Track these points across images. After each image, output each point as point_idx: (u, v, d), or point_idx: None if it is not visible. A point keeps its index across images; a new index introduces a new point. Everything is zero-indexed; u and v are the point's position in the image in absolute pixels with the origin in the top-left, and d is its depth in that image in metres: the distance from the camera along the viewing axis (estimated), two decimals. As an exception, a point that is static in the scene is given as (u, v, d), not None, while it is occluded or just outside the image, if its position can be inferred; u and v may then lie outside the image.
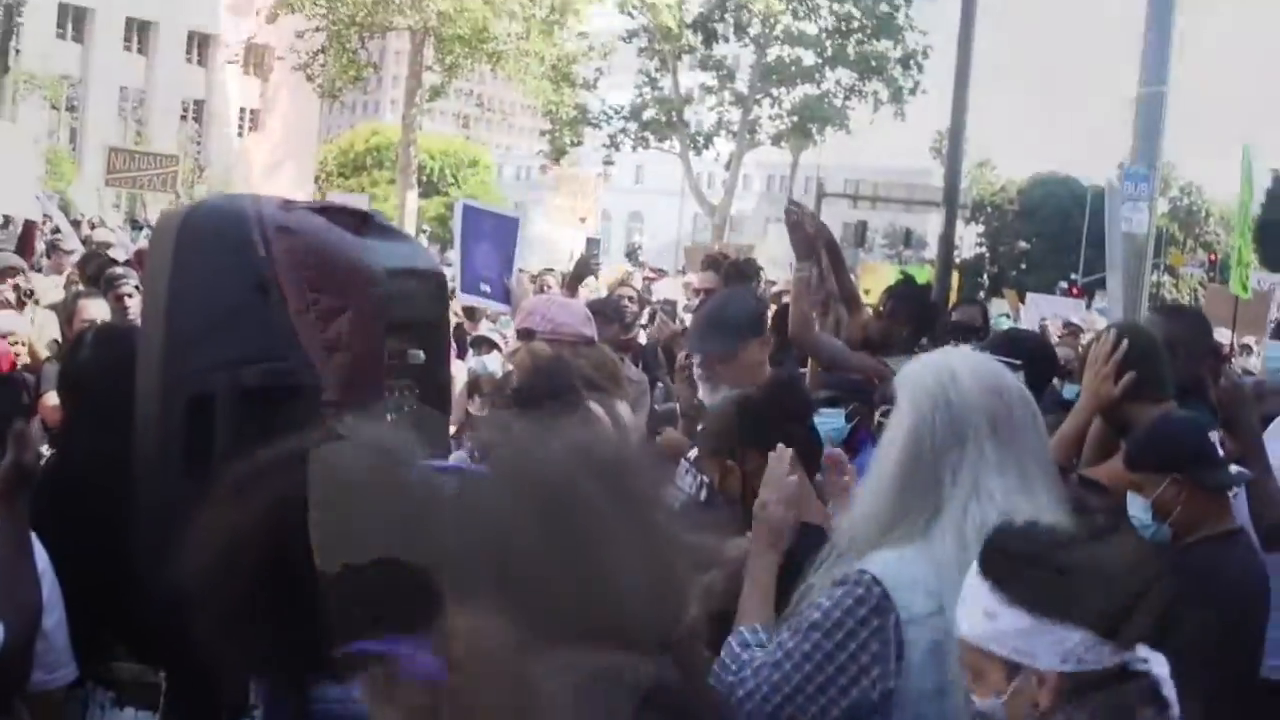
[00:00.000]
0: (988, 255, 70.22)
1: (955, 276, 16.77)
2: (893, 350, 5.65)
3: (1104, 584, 2.09)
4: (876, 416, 4.25)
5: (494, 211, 10.44)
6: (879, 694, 2.52)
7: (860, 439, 4.67)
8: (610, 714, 1.48)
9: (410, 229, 37.21)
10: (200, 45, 59.61)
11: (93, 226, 19.30)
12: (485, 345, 8.94)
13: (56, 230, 15.35)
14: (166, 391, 2.99)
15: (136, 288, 7.48)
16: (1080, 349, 9.84)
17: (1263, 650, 3.70)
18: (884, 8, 45.74)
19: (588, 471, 1.59)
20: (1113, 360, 4.02)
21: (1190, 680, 2.28)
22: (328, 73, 40.18)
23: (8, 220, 14.58)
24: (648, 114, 47.12)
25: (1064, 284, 45.57)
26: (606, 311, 7.04)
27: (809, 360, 5.86)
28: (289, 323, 2.95)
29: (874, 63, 46.11)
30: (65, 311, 7.56)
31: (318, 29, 38.97)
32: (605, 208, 60.39)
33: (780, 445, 3.07)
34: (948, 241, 12.24)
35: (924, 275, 12.79)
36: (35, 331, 7.71)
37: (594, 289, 12.15)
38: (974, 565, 2.18)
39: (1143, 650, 2.09)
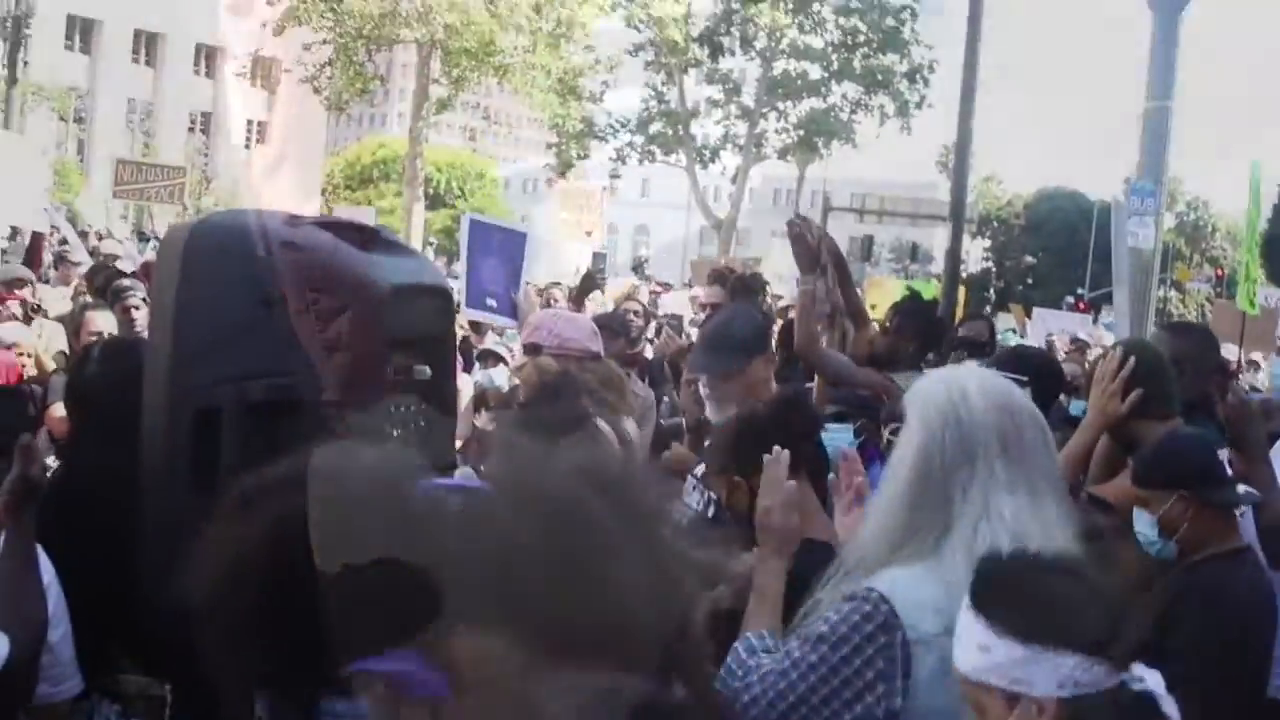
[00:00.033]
0: (994, 270, 70.25)
1: (962, 291, 16.75)
2: (899, 366, 5.64)
3: (1093, 605, 2.10)
4: (885, 434, 4.23)
5: (501, 225, 10.43)
6: (884, 711, 2.51)
7: (868, 455, 4.65)
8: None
9: (416, 241, 37.29)
10: (208, 57, 59.76)
11: (100, 238, 19.36)
12: (491, 359, 8.98)
13: (64, 242, 15.41)
14: (173, 405, 3.00)
15: (143, 300, 7.50)
16: (1087, 365, 9.85)
17: (1270, 669, 3.69)
18: (890, 22, 45.77)
19: (592, 489, 1.59)
20: (1119, 378, 4.03)
21: (1191, 683, 2.28)
22: (335, 85, 40.21)
23: (16, 232, 14.63)
24: (654, 127, 47.18)
25: (1070, 299, 45.54)
26: (612, 326, 7.04)
27: (815, 375, 5.85)
28: (294, 337, 2.96)
29: (880, 77, 46.15)
30: (72, 323, 7.58)
31: (325, 41, 39.01)
32: (611, 220, 60.48)
33: (775, 448, 3.04)
34: (954, 256, 12.23)
35: (930, 290, 12.77)
36: (42, 343, 7.73)
37: (600, 303, 12.16)
38: (965, 600, 2.19)
39: (1138, 669, 2.09)
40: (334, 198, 57.17)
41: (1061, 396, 6.09)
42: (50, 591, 2.95)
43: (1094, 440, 4.16)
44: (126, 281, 8.36)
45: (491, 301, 9.06)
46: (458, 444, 5.60)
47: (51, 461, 4.23)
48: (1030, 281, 65.81)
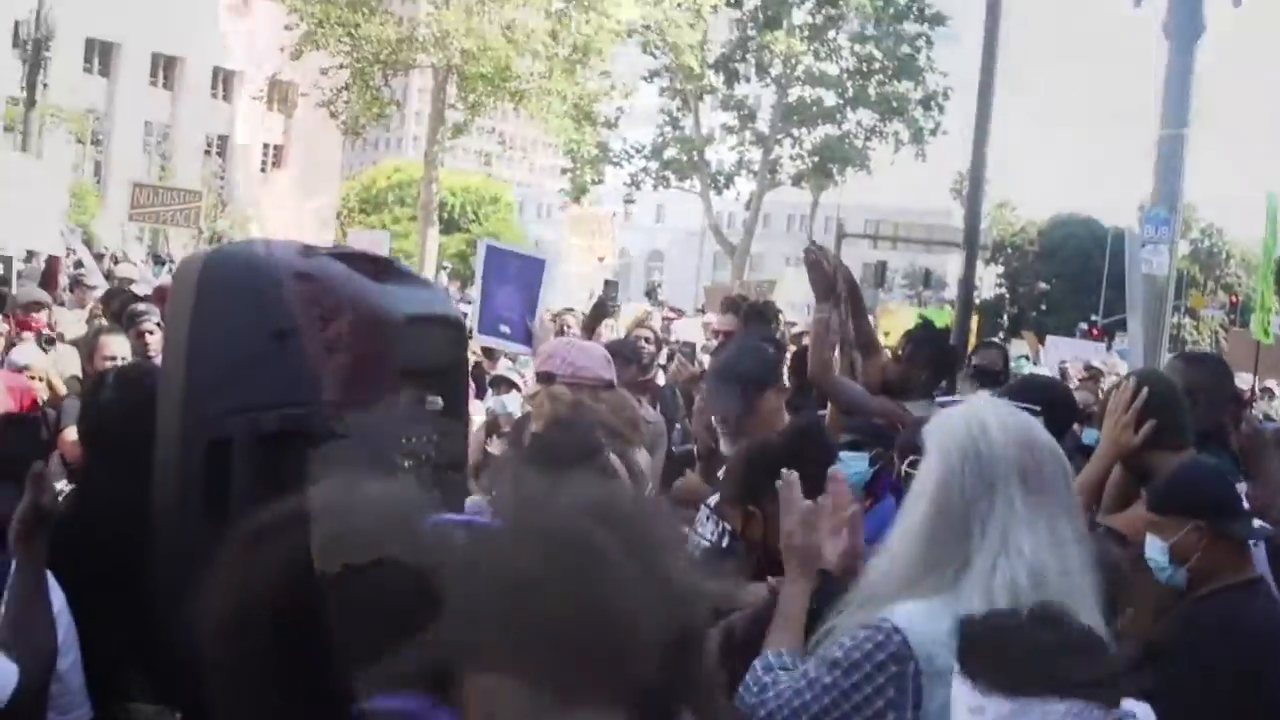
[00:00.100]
0: (1008, 296, 70.15)
1: (975, 318, 16.71)
2: (911, 395, 5.64)
3: (1074, 649, 2.12)
4: (904, 466, 4.21)
5: (519, 252, 10.36)
6: (895, 740, 2.51)
7: (883, 484, 4.64)
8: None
9: (430, 265, 37.37)
10: (225, 81, 60.15)
11: (115, 261, 19.44)
12: (504, 385, 8.97)
13: (80, 264, 15.45)
14: (186, 435, 3.01)
15: (158, 324, 7.51)
16: (1100, 393, 9.82)
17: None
18: (905, 49, 45.84)
19: (602, 525, 1.58)
20: (1133, 408, 4.02)
21: (1205, 714, 2.27)
22: (351, 109, 40.33)
23: (32, 255, 14.68)
24: (669, 153, 47.23)
25: (1084, 325, 45.50)
26: (624, 353, 7.03)
27: (829, 403, 5.84)
28: (307, 369, 2.96)
29: (895, 104, 46.19)
30: (86, 347, 7.58)
31: (342, 66, 39.16)
32: (625, 246, 60.59)
33: (784, 470, 3.01)
34: (968, 283, 12.19)
35: (943, 318, 12.75)
36: (56, 366, 7.74)
37: (613, 329, 12.17)
38: (954, 670, 2.21)
39: (1128, 704, 2.11)
40: (349, 221, 57.37)
41: (1075, 425, 6.07)
42: (60, 619, 2.95)
43: (1107, 470, 4.15)
44: (142, 306, 8.37)
45: (505, 328, 9.05)
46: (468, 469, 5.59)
47: (63, 485, 4.23)
48: (1044, 308, 65.80)
